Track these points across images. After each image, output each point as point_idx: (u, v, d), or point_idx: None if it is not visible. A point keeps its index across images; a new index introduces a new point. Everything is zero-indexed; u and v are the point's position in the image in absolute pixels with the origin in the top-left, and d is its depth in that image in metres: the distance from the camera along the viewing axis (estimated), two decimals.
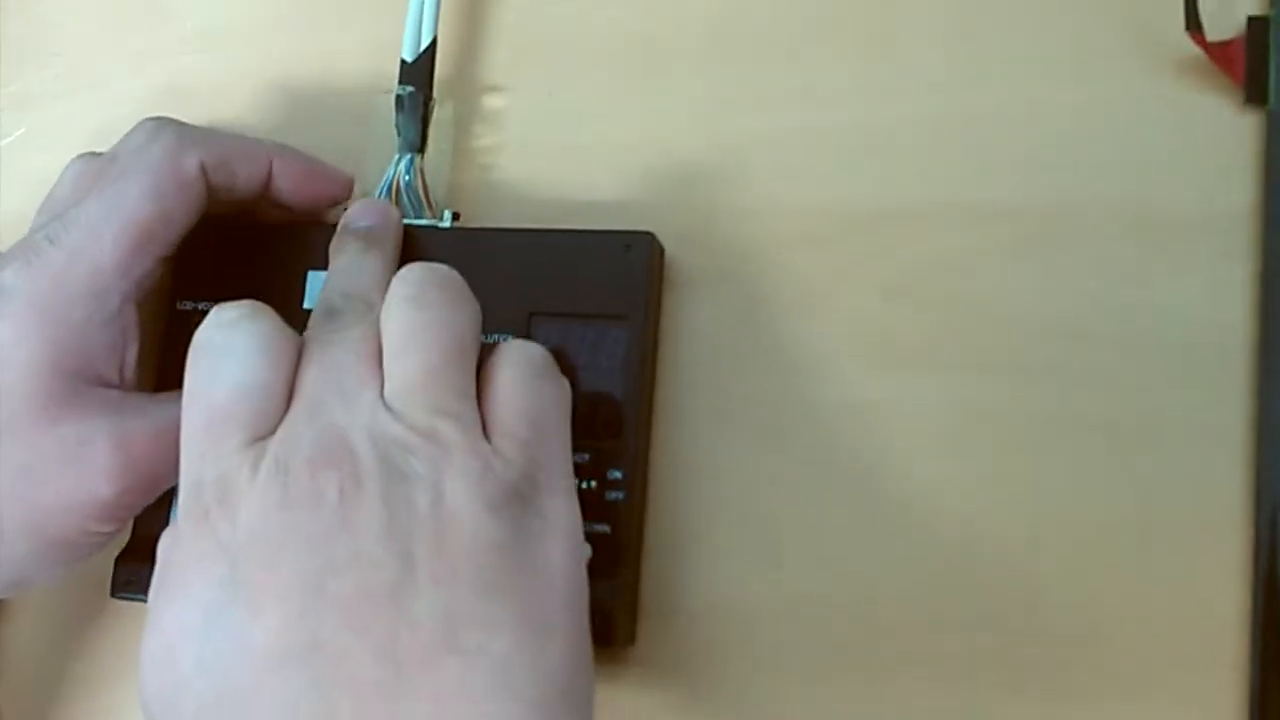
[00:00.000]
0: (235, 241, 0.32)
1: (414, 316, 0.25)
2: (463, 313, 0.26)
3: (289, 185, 0.32)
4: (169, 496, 0.30)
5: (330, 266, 0.29)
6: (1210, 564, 0.27)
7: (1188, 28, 0.29)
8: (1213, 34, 0.29)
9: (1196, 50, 0.29)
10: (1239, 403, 0.28)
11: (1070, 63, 0.31)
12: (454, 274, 0.26)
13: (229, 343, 0.25)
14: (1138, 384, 0.28)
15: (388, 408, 0.24)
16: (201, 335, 0.25)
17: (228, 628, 0.22)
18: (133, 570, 0.30)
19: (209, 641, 0.22)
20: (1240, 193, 0.29)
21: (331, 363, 0.25)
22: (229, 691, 0.21)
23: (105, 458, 0.27)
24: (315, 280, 0.31)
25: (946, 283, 0.30)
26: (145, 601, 0.28)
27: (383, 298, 0.26)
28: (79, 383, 0.28)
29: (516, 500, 0.23)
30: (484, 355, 0.26)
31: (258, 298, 0.31)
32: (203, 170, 0.30)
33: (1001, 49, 0.31)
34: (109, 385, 0.28)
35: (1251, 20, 0.29)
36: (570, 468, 0.26)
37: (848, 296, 0.30)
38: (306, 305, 0.31)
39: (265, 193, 0.32)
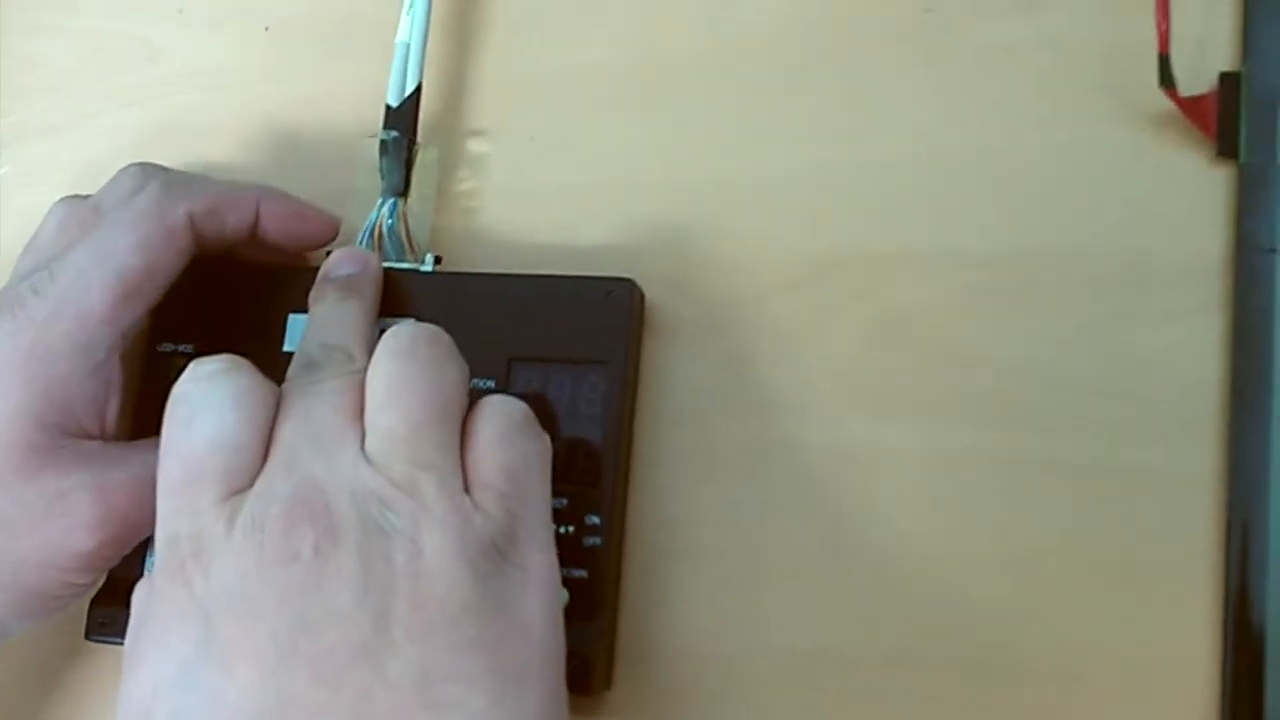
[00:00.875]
0: (215, 284, 0.32)
1: (401, 371, 0.25)
2: (450, 370, 0.26)
3: (275, 227, 0.32)
4: (145, 541, 0.30)
5: (309, 315, 0.29)
6: (1183, 607, 0.27)
7: (1161, 84, 0.29)
8: (1186, 89, 0.29)
9: (1171, 104, 0.29)
10: (1212, 448, 0.28)
11: (1048, 114, 0.31)
12: (443, 333, 0.26)
13: (205, 397, 0.25)
14: (1112, 430, 0.29)
15: (368, 461, 0.24)
16: (179, 389, 0.25)
17: (202, 685, 0.21)
18: (107, 613, 0.30)
19: (184, 698, 0.22)
20: (1213, 243, 0.29)
21: (309, 415, 0.24)
22: None
23: (85, 510, 0.27)
24: (296, 323, 0.31)
25: (925, 329, 0.30)
26: (120, 644, 0.29)
27: (363, 348, 0.26)
28: (61, 435, 0.28)
29: (494, 554, 0.23)
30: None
31: (238, 340, 0.31)
32: (190, 220, 0.30)
33: (980, 100, 0.31)
34: (90, 436, 0.28)
35: (1223, 76, 0.30)
36: (549, 520, 0.26)
37: (827, 342, 0.31)
38: (287, 348, 0.31)
39: (252, 236, 0.32)
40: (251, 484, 0.24)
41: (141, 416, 0.32)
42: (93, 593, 0.30)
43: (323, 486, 0.23)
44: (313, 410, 0.24)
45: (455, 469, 0.24)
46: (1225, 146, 0.30)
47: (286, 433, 0.24)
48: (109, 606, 0.30)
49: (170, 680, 0.22)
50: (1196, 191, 0.30)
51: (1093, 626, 0.28)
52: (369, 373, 0.25)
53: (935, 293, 0.30)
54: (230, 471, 0.24)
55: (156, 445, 0.28)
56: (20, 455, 0.27)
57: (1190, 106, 0.30)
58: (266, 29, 0.37)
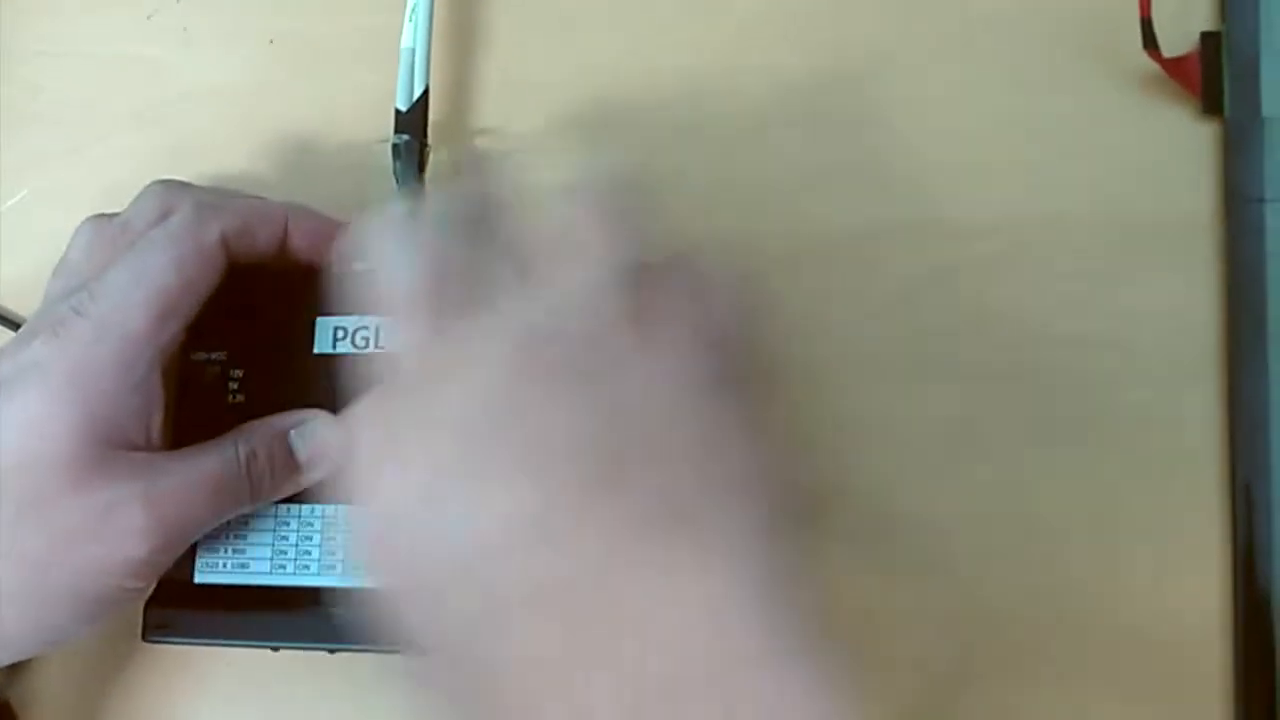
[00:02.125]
0: (245, 291, 0.33)
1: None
2: None
3: (304, 243, 0.33)
4: (194, 544, 0.32)
5: None
6: (1190, 556, 0.29)
7: (1145, 47, 0.30)
8: (1169, 50, 0.31)
9: (1155, 66, 0.31)
10: (1211, 395, 0.29)
11: (1037, 81, 0.32)
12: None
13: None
14: (1114, 381, 0.30)
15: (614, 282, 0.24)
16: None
17: (459, 497, 0.22)
18: (163, 615, 0.31)
19: (440, 510, 0.22)
20: (1203, 196, 0.31)
21: (556, 229, 0.25)
22: (463, 558, 0.21)
23: (138, 519, 0.28)
24: (324, 326, 0.33)
25: (931, 297, 0.31)
26: (177, 644, 0.30)
27: None
28: (109, 449, 0.29)
29: (729, 379, 0.23)
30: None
31: (268, 345, 0.33)
32: (224, 239, 0.31)
33: (975, 73, 0.33)
34: (137, 448, 0.30)
35: (1205, 35, 0.31)
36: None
37: (838, 315, 0.32)
38: (317, 350, 0.33)
39: (281, 250, 0.33)
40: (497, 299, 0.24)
41: (180, 424, 0.33)
42: (146, 596, 0.31)
43: (575, 302, 0.23)
44: (554, 226, 0.25)
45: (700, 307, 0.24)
46: (1210, 103, 0.31)
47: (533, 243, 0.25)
48: (164, 608, 0.31)
49: (421, 494, 0.22)
50: (1184, 148, 0.31)
51: (1106, 573, 0.29)
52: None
53: (939, 262, 0.32)
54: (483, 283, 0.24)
55: (202, 454, 0.29)
56: (72, 471, 0.28)
57: (1174, 67, 0.31)
58: (271, 42, 0.38)
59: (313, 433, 0.31)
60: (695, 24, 0.35)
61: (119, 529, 0.28)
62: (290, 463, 0.31)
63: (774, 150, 0.33)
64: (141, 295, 0.29)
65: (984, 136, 0.32)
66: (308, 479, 0.31)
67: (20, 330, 0.31)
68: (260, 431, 0.31)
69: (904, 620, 0.30)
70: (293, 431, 0.31)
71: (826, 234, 0.32)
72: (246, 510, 0.31)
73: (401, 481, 0.23)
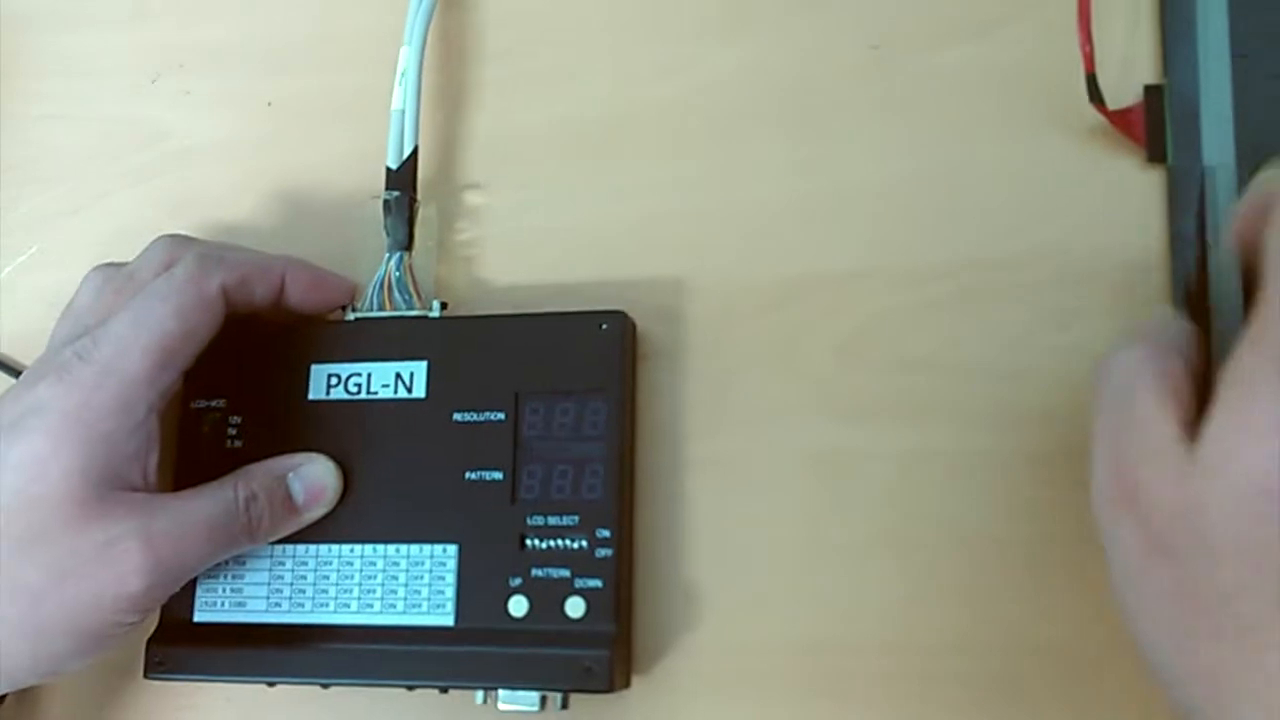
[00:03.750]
0: (242, 342, 0.35)
1: None
2: None
3: (299, 295, 0.34)
4: (192, 582, 0.33)
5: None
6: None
7: (1091, 100, 0.32)
8: (1115, 102, 0.32)
9: (1102, 118, 0.32)
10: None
11: (989, 135, 0.34)
12: None
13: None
14: (1066, 419, 0.31)
15: None
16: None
17: None
18: (164, 652, 0.33)
19: None
20: (1148, 240, 0.32)
21: None
22: None
23: (135, 557, 0.30)
24: (318, 374, 0.34)
25: (890, 338, 0.33)
26: (177, 681, 0.31)
27: None
28: (108, 489, 0.30)
29: None
30: None
31: (265, 393, 0.34)
32: (223, 291, 0.33)
33: (926, 126, 0.34)
34: (135, 489, 0.31)
35: (1148, 89, 0.33)
36: None
37: (802, 356, 0.33)
38: (311, 397, 0.34)
39: (277, 302, 0.34)
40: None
41: (180, 469, 0.34)
42: (142, 631, 0.33)
43: None
44: None
45: None
46: (1154, 152, 0.33)
47: None
48: (164, 645, 0.33)
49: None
50: (1131, 195, 0.33)
51: (1056, 599, 0.31)
52: None
53: (895, 305, 0.33)
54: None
55: (198, 496, 0.31)
56: (71, 509, 0.30)
57: (1120, 118, 0.32)
58: (269, 105, 0.40)
59: (310, 475, 0.33)
60: (665, 76, 0.36)
61: (116, 566, 0.30)
62: (288, 504, 0.32)
63: (739, 201, 0.35)
64: (143, 342, 0.31)
65: (940, 184, 0.34)
66: (305, 519, 0.33)
67: (25, 372, 0.32)
68: (259, 474, 0.33)
69: (877, 642, 0.31)
70: (290, 474, 0.33)
71: (789, 281, 0.34)
72: (244, 550, 0.32)
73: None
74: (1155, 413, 0.24)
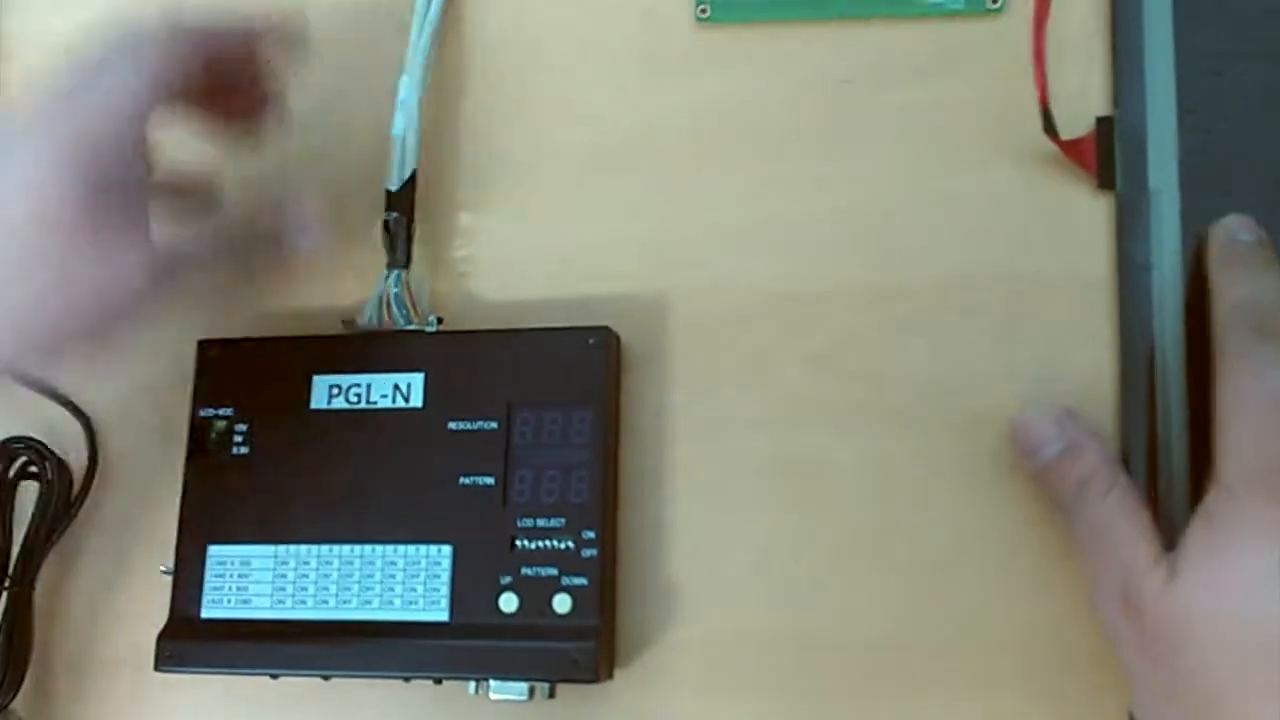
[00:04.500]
0: (247, 356, 0.37)
1: None
2: None
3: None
4: (203, 571, 0.35)
5: (1231, 276, 0.31)
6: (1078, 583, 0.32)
7: (1045, 131, 0.34)
8: (1068, 132, 0.35)
9: (1055, 147, 0.35)
10: (1109, 440, 0.33)
11: (951, 164, 0.36)
12: None
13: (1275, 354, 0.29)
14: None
15: None
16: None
17: None
18: (173, 646, 0.35)
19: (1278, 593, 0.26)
20: (1098, 263, 0.34)
21: None
22: None
23: (141, 254, 0.31)
24: (320, 384, 0.36)
25: (857, 352, 0.35)
26: (188, 673, 0.33)
27: None
28: (108, 194, 0.31)
29: None
30: None
31: (268, 403, 0.36)
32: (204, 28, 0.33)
33: (894, 155, 0.37)
34: (134, 194, 0.32)
35: (1099, 120, 0.35)
36: None
37: (775, 369, 0.36)
38: (313, 406, 0.36)
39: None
40: None
41: (189, 475, 0.36)
42: (158, 623, 0.35)
43: None
44: None
45: None
46: (1104, 179, 0.35)
47: None
48: (175, 641, 0.35)
49: (1263, 575, 0.27)
50: (1082, 220, 0.35)
51: (1014, 593, 0.33)
52: None
53: (861, 321, 0.35)
54: None
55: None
56: (73, 214, 0.30)
57: (1072, 148, 0.35)
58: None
59: (304, 213, 0.35)
60: (650, 106, 0.39)
61: (122, 264, 0.31)
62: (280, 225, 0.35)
63: (717, 222, 0.37)
64: (130, 58, 0.32)
65: (904, 209, 0.36)
66: (293, 248, 0.35)
67: (31, 101, 0.32)
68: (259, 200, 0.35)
69: (848, 639, 0.34)
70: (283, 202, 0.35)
71: (763, 298, 0.36)
72: (237, 262, 0.35)
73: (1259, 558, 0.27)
74: (1142, 547, 0.29)
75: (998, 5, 0.37)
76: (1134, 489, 0.31)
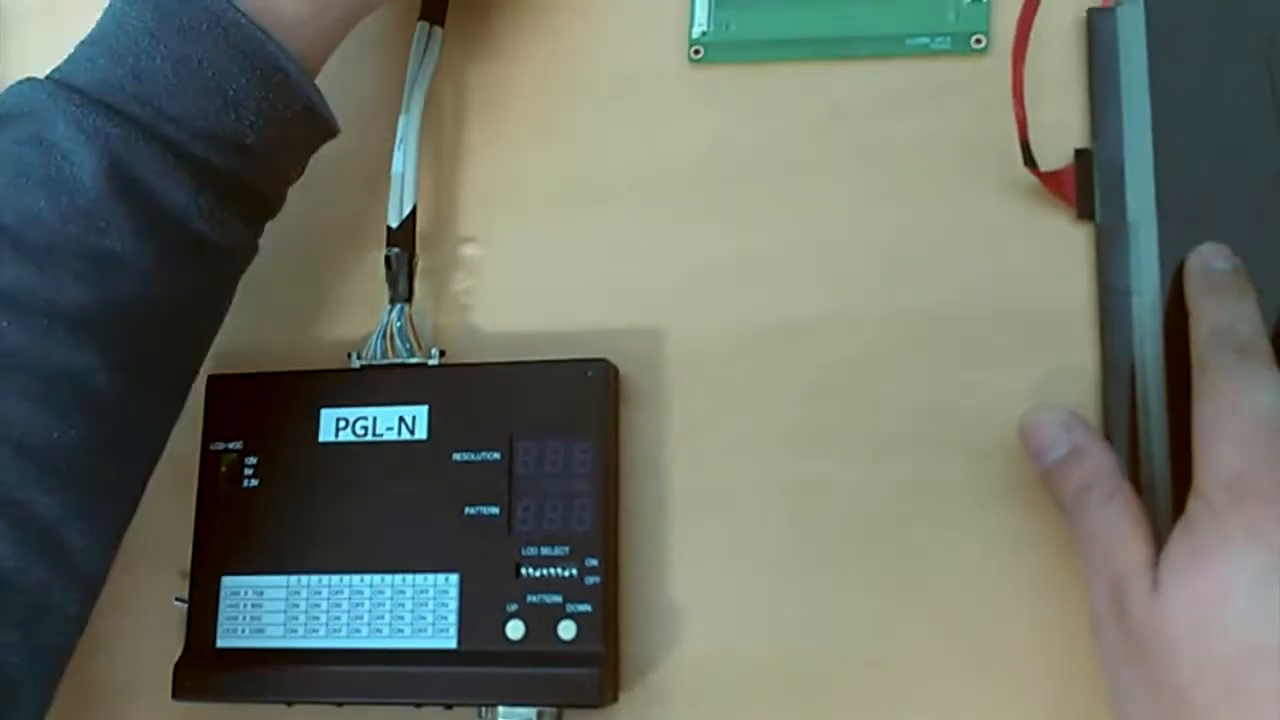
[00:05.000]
0: (255, 389, 0.38)
1: None
2: None
3: None
4: (214, 613, 0.36)
5: (1210, 303, 0.32)
6: (1068, 611, 0.34)
7: (1025, 164, 0.35)
8: (1049, 163, 0.36)
9: (1036, 179, 0.36)
10: None
11: (936, 194, 0.37)
12: None
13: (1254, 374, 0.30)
14: (1006, 454, 0.35)
15: None
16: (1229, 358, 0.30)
17: (1276, 599, 0.27)
18: (190, 675, 0.36)
19: (1256, 603, 0.27)
20: (1079, 291, 0.36)
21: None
22: (1271, 649, 0.27)
23: None
24: (328, 417, 0.37)
25: (850, 379, 0.36)
26: (206, 703, 0.34)
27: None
28: None
29: None
30: None
31: (277, 436, 0.37)
32: None
33: (881, 185, 0.38)
34: None
35: (1078, 152, 0.36)
36: None
37: (770, 398, 0.37)
38: (321, 439, 0.37)
39: None
40: None
41: (201, 508, 0.37)
42: (174, 652, 0.36)
43: None
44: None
45: None
46: (1083, 210, 0.36)
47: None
48: (191, 670, 0.36)
49: (1242, 585, 0.28)
50: (1063, 249, 0.36)
51: (1024, 615, 0.34)
52: None
53: (854, 349, 0.37)
54: None
55: None
56: None
57: (1052, 179, 0.36)
58: None
59: None
60: (645, 141, 0.40)
61: None
62: None
63: (714, 251, 0.38)
64: None
65: (892, 240, 0.37)
66: None
67: None
68: None
69: (843, 655, 0.35)
70: None
71: (762, 328, 0.37)
72: None
73: (1231, 566, 0.28)
74: (1135, 554, 0.30)
75: (982, 46, 0.38)
76: (1136, 497, 0.31)
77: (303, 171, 0.37)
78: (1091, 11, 0.37)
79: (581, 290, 0.39)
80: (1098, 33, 0.37)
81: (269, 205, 0.36)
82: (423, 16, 0.40)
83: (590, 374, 0.36)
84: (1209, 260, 0.33)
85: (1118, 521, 0.31)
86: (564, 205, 0.40)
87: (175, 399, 0.35)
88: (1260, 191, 0.34)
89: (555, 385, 0.36)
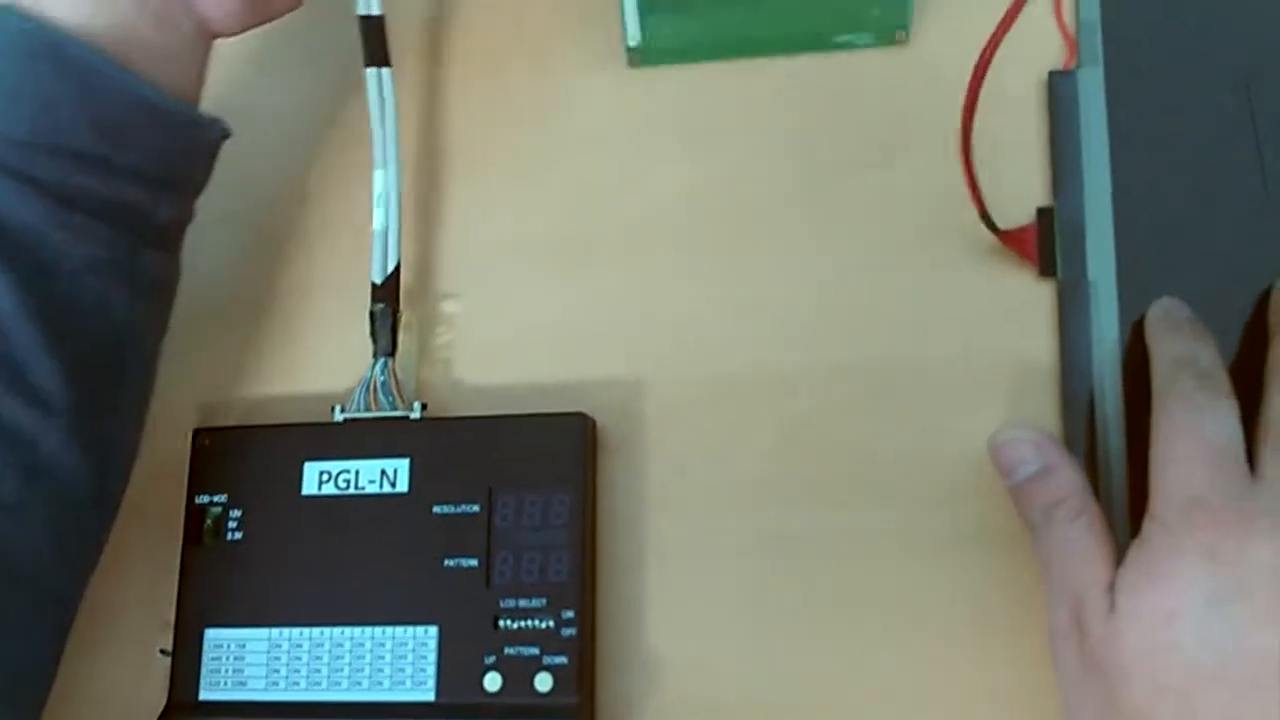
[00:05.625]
0: (240, 443, 0.39)
1: None
2: None
3: None
4: (197, 666, 0.36)
5: (1170, 338, 0.33)
6: (1043, 642, 0.34)
7: (986, 226, 0.36)
8: (1012, 221, 0.37)
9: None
10: None
11: (904, 248, 0.38)
12: None
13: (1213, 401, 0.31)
14: (977, 499, 0.36)
15: None
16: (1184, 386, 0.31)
17: (1228, 620, 0.28)
18: None
19: (1209, 623, 0.28)
20: (1043, 344, 0.37)
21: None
22: (1223, 669, 0.28)
23: None
24: (310, 470, 0.38)
25: (823, 428, 0.37)
26: None
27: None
28: None
29: None
30: None
31: (261, 489, 0.38)
32: None
33: (851, 241, 0.39)
34: None
35: (1040, 210, 0.37)
36: None
37: (744, 447, 0.38)
38: (304, 493, 0.38)
39: None
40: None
41: (185, 561, 0.38)
42: (157, 706, 0.36)
43: None
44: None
45: None
46: (1045, 267, 0.37)
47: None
48: None
49: (1197, 604, 0.28)
50: (1026, 304, 0.37)
51: (997, 661, 0.35)
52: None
53: (828, 400, 0.37)
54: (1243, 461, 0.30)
55: None
56: None
57: (1013, 238, 0.37)
58: (259, 228, 0.44)
59: None
60: (621, 197, 0.41)
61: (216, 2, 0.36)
62: None
63: (689, 303, 0.39)
64: None
65: (861, 294, 0.38)
66: None
67: None
68: None
69: (826, 702, 0.35)
70: None
71: (735, 379, 0.38)
72: None
73: (1183, 587, 0.29)
74: (1097, 573, 0.31)
75: (905, 38, 0.40)
76: (1104, 518, 0.32)
77: (194, 177, 0.37)
78: (1052, 74, 0.39)
79: (560, 342, 0.40)
80: (1058, 95, 0.38)
81: (141, 215, 0.35)
82: (369, 63, 0.40)
83: (568, 427, 0.37)
84: (1170, 309, 0.34)
85: (1083, 539, 0.31)
86: (544, 258, 0.41)
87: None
88: (1219, 250, 0.36)
89: (534, 439, 0.37)
